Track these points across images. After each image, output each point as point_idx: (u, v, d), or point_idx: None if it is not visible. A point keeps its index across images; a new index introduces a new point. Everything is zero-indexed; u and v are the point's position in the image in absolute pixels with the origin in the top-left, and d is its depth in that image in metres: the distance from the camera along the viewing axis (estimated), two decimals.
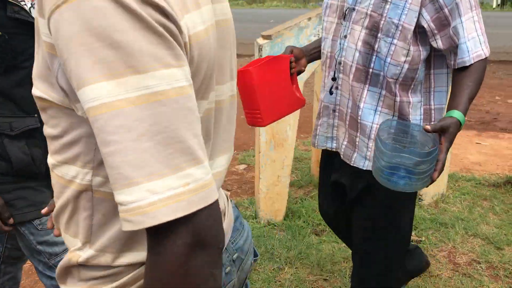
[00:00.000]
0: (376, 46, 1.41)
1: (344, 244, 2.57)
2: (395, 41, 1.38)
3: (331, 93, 1.59)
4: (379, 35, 1.40)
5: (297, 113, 2.70)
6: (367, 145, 1.51)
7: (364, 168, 1.54)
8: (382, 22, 1.39)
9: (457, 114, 1.33)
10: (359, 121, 1.51)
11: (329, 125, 1.64)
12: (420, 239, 2.71)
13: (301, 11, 24.37)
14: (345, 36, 1.49)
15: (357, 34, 1.45)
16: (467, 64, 1.38)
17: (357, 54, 1.45)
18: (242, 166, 4.00)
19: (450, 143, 1.31)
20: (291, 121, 2.74)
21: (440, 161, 1.28)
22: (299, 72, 1.68)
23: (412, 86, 1.46)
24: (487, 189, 3.42)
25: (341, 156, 1.61)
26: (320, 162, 1.86)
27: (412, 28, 1.36)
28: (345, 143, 1.59)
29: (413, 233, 2.75)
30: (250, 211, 3.09)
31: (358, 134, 1.52)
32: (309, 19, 2.58)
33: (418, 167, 1.25)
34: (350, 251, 1.93)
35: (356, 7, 1.45)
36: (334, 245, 2.67)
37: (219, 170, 0.79)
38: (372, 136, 1.49)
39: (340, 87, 1.55)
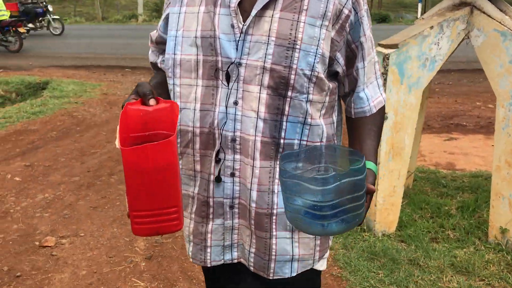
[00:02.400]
0: (287, 108, 1.09)
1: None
2: (310, 96, 1.09)
3: (218, 180, 1.15)
4: (289, 94, 1.07)
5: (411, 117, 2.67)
6: (291, 239, 1.16)
7: (294, 274, 1.18)
8: (292, 76, 1.06)
9: (372, 166, 1.08)
10: (275, 212, 1.14)
11: (227, 229, 1.19)
12: None
13: None
14: (235, 103, 1.10)
15: (256, 98, 1.08)
16: (368, 114, 1.18)
17: (260, 123, 1.09)
18: None
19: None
20: (409, 129, 2.76)
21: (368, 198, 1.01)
22: None
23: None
24: None
25: (251, 268, 1.20)
26: (207, 282, 1.39)
27: (324, 77, 1.09)
28: (253, 250, 1.18)
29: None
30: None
31: (274, 233, 1.15)
32: (431, 27, 2.64)
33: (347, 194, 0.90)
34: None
35: (244, 61, 1.08)
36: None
37: None
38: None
39: (238, 173, 1.14)
